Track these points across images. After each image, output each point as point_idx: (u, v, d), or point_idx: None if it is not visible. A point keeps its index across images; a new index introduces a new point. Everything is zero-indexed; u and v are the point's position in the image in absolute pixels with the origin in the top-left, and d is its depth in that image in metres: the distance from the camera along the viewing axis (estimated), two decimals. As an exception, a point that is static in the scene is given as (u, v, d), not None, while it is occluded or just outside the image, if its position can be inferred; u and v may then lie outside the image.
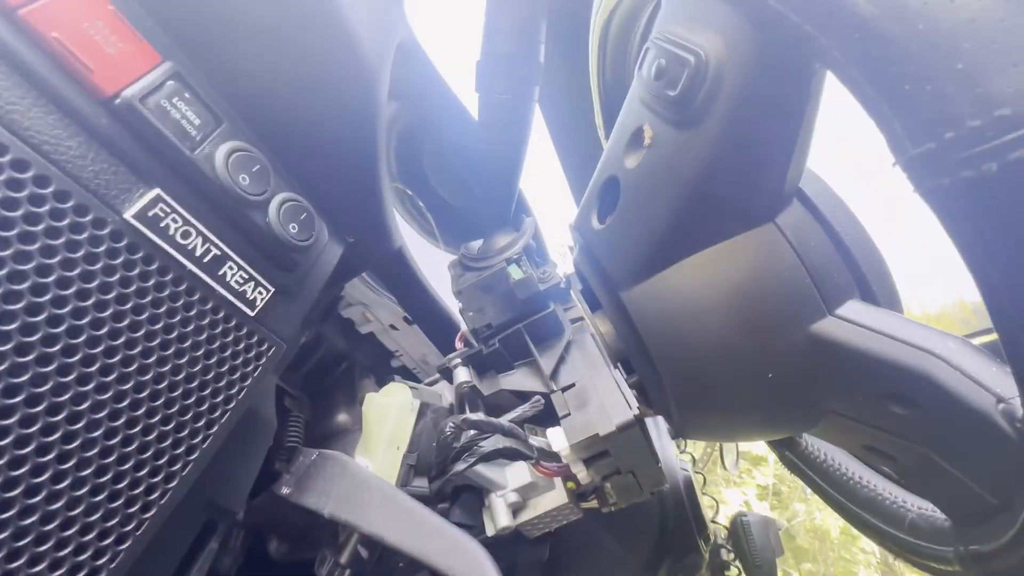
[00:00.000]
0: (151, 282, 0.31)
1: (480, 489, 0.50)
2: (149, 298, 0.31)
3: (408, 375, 0.71)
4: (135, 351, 0.30)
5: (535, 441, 0.46)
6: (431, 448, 0.47)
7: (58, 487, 0.27)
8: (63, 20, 0.27)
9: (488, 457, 0.46)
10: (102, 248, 0.29)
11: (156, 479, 0.31)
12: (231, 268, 0.35)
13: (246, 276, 0.36)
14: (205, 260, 0.33)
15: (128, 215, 0.30)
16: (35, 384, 0.26)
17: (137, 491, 0.30)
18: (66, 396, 0.27)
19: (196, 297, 0.33)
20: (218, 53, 0.36)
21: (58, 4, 0.27)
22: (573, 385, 0.46)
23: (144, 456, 0.30)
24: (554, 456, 0.44)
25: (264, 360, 0.37)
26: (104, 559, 0.28)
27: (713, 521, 0.94)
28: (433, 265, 0.63)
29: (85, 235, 0.28)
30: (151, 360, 0.31)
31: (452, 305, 0.62)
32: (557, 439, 0.44)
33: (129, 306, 0.30)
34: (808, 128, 0.34)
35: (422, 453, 0.47)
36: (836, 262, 0.39)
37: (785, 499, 2.40)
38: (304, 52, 0.39)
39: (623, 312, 0.44)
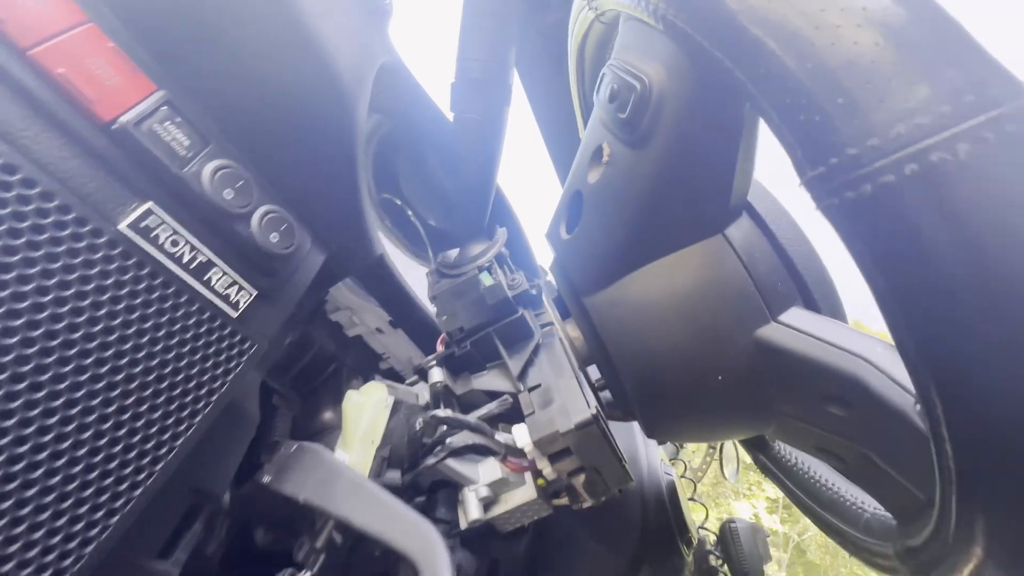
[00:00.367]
0: (143, 284, 0.35)
1: (456, 484, 0.53)
2: (141, 299, 0.35)
3: (395, 377, 0.74)
4: (127, 345, 0.34)
5: (501, 437, 0.48)
6: (404, 442, 0.50)
7: (56, 464, 0.30)
8: (68, 58, 0.32)
9: (458, 452, 0.48)
10: (99, 255, 0.33)
11: (144, 461, 0.35)
12: (216, 273, 0.39)
13: (230, 280, 0.40)
14: (192, 266, 0.37)
15: (123, 225, 0.34)
16: (39, 372, 0.30)
17: (126, 471, 0.34)
18: (64, 384, 0.31)
19: (184, 299, 0.37)
20: (206, 81, 0.40)
21: (63, 44, 0.31)
22: (539, 386, 0.48)
23: (133, 440, 0.34)
24: (520, 452, 0.47)
25: (246, 357, 0.41)
26: (95, 530, 0.32)
27: (702, 527, 0.95)
28: (417, 273, 0.66)
29: (84, 243, 0.32)
30: (142, 353, 0.34)
31: (434, 310, 0.65)
32: (521, 435, 0.46)
33: (123, 305, 0.34)
34: (748, 148, 0.36)
35: (395, 447, 0.50)
36: (780, 272, 0.41)
37: (796, 512, 2.35)
38: (286, 80, 0.43)
39: (587, 317, 0.47)
